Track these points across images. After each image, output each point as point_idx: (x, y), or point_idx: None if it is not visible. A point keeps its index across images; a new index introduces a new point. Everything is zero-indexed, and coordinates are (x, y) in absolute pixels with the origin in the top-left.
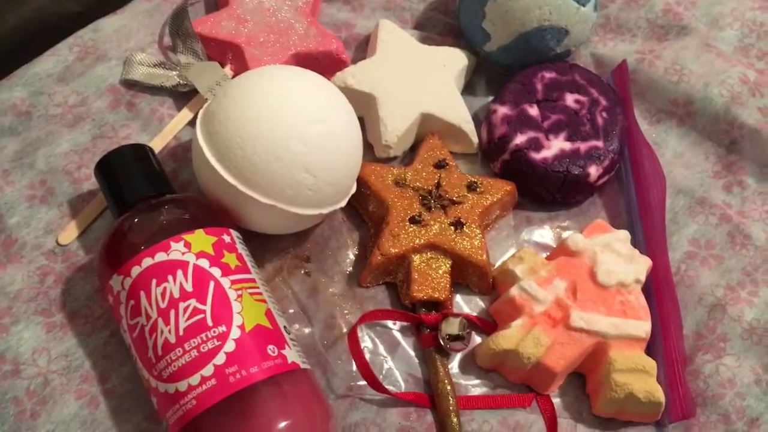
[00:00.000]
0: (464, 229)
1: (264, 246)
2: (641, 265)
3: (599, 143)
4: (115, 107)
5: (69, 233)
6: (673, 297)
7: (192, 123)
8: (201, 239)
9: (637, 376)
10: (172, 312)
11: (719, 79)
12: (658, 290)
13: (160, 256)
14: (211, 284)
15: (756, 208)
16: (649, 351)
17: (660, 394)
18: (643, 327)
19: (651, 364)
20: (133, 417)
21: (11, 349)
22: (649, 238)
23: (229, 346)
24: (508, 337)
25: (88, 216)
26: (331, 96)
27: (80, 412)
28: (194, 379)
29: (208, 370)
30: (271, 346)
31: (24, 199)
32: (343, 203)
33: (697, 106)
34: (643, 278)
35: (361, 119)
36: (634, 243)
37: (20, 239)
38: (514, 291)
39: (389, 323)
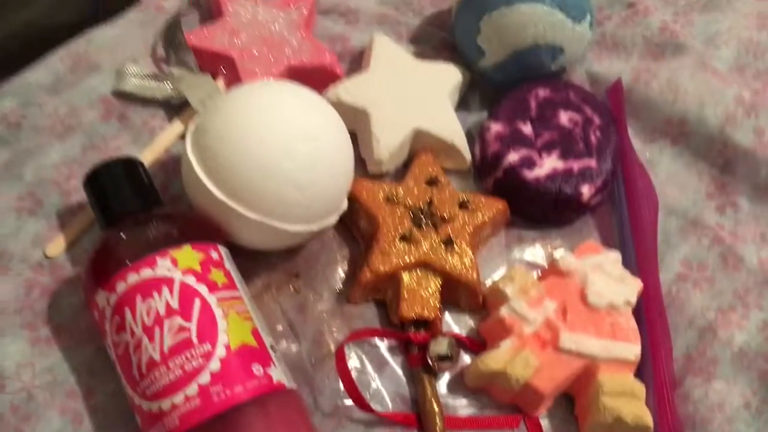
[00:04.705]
0: (455, 247)
1: (253, 261)
2: (632, 287)
3: (592, 162)
4: (107, 118)
5: (56, 245)
6: (663, 320)
7: (183, 135)
8: (188, 255)
9: (625, 400)
10: (157, 329)
11: (714, 99)
12: (649, 312)
13: (146, 273)
14: (197, 301)
15: (749, 230)
16: (639, 373)
17: (648, 419)
18: (632, 350)
19: (640, 387)
20: None
21: None
22: (640, 259)
23: (214, 365)
24: (496, 358)
25: (76, 228)
26: (323, 113)
27: (64, 428)
28: (178, 398)
29: (192, 389)
30: (256, 365)
31: (12, 210)
32: (334, 220)
33: (691, 126)
34: (633, 300)
35: (353, 134)
36: (626, 264)
37: (7, 251)
38: (503, 311)
39: (377, 342)
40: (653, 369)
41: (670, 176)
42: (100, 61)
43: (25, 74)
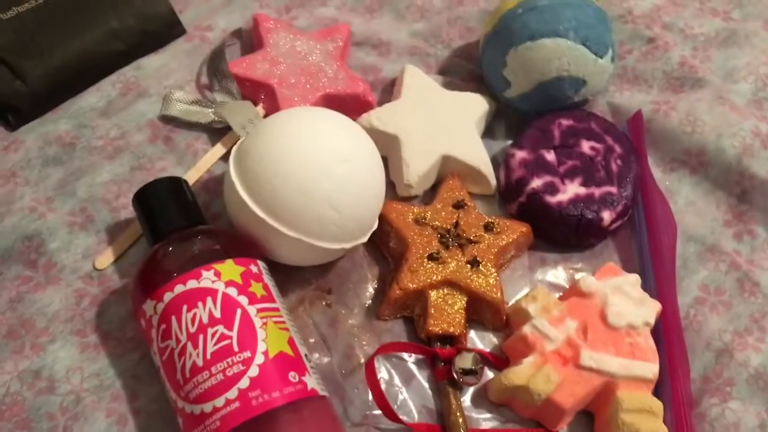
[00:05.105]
0: (480, 267)
1: (288, 277)
2: (650, 309)
3: (613, 189)
4: (153, 141)
5: (105, 258)
6: (681, 341)
7: (224, 158)
8: (230, 269)
9: (643, 417)
10: (201, 337)
11: (732, 131)
12: (667, 334)
13: (192, 284)
14: (238, 312)
15: (765, 257)
16: (657, 393)
17: None
18: (650, 368)
19: (658, 405)
20: None
21: (47, 366)
22: (659, 282)
23: (253, 371)
24: (519, 374)
25: (124, 243)
26: (357, 137)
27: (109, 429)
28: (219, 401)
29: (232, 393)
30: (292, 373)
31: (65, 225)
32: (365, 239)
33: (709, 156)
34: (652, 321)
35: (384, 159)
36: (645, 287)
37: (60, 263)
38: (526, 329)
39: (405, 355)
40: (671, 388)
41: (689, 204)
42: (148, 87)
43: (79, 99)
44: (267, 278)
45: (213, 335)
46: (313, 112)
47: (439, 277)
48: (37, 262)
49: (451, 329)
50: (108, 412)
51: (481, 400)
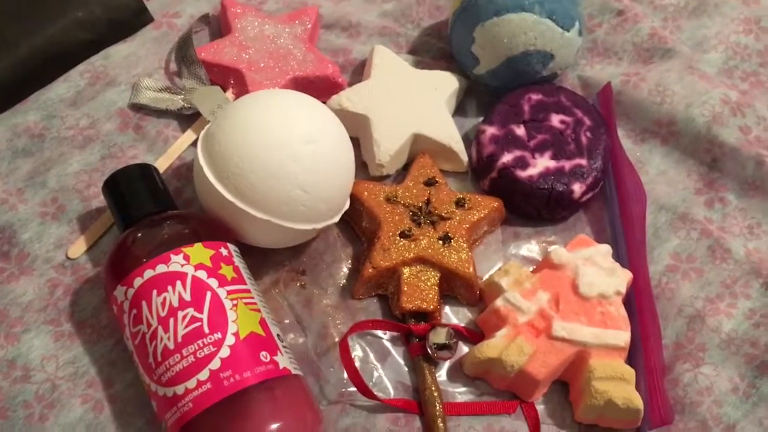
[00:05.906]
0: (452, 243)
1: (262, 259)
2: (621, 278)
3: (583, 161)
4: (123, 129)
5: (78, 248)
6: (652, 309)
7: (195, 143)
8: (200, 252)
9: (615, 384)
10: (171, 320)
11: (701, 100)
12: (639, 302)
13: (161, 268)
14: (208, 294)
15: (736, 223)
16: (630, 360)
17: (638, 401)
18: (622, 337)
19: (629, 372)
20: (135, 421)
21: (22, 356)
22: (630, 252)
23: (224, 352)
24: (492, 346)
25: (96, 231)
26: (323, 117)
27: (85, 415)
28: (191, 383)
29: (204, 374)
30: (263, 353)
31: (36, 215)
32: (336, 219)
33: (679, 126)
34: (623, 290)
35: (356, 140)
36: (618, 257)
37: (32, 253)
38: (499, 302)
39: (380, 333)
40: (644, 355)
41: (660, 174)
42: (117, 75)
43: (47, 89)
44: (238, 261)
45: (183, 318)
46: (277, 94)
47: (411, 254)
48: (9, 253)
49: (425, 305)
50: (84, 399)
51: (456, 374)
